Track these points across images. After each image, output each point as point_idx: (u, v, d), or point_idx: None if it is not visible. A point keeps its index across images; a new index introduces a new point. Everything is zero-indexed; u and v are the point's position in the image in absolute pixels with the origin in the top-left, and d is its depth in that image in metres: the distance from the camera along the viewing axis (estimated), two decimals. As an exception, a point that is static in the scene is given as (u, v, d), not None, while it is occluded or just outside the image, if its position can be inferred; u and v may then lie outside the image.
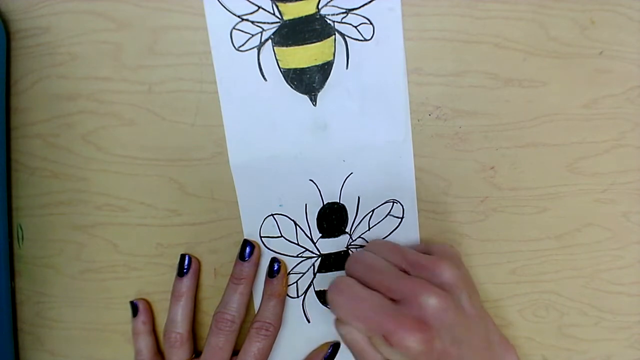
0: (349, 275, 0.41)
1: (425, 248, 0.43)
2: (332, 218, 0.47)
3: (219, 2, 0.43)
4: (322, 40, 0.43)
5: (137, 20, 0.44)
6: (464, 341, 0.38)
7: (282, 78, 0.44)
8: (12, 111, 0.48)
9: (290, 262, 0.47)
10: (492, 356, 0.40)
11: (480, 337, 0.40)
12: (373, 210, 0.46)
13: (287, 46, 0.43)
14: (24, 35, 0.46)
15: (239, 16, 0.43)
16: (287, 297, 0.48)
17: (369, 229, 0.47)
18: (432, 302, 0.37)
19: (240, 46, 0.44)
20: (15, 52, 0.47)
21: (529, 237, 0.47)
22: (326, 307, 0.48)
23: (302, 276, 0.48)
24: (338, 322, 0.41)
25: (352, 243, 0.47)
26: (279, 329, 0.46)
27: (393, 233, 0.47)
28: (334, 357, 0.48)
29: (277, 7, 0.43)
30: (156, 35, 0.44)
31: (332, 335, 0.48)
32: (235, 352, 0.46)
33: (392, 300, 0.38)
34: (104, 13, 0.44)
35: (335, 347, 0.48)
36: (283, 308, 0.47)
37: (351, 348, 0.40)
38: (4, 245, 0.49)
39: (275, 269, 0.46)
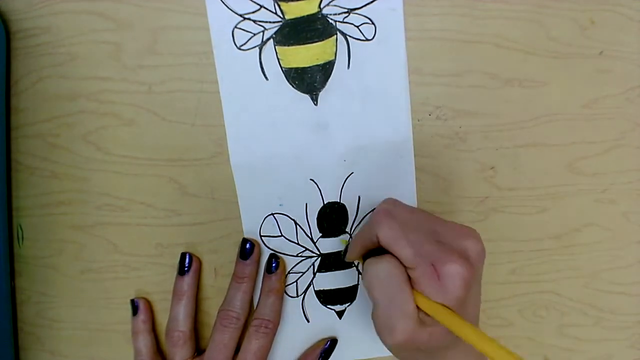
0: (388, 210, 0.39)
1: None
2: (333, 218, 0.47)
3: (221, 0, 0.43)
4: (323, 39, 0.43)
5: (137, 20, 0.44)
6: (478, 305, 0.38)
7: (284, 77, 0.44)
8: (12, 111, 0.48)
9: (290, 262, 0.47)
10: None
11: (477, 315, 0.40)
12: (373, 210, 0.46)
13: (288, 45, 0.43)
14: (24, 35, 0.46)
15: (240, 15, 0.43)
16: (287, 296, 0.48)
17: (369, 229, 0.47)
18: (475, 245, 0.37)
19: (242, 45, 0.44)
20: (15, 52, 0.47)
21: (529, 237, 0.47)
22: (326, 306, 0.48)
23: (302, 275, 0.48)
24: (373, 259, 0.38)
25: (352, 243, 0.47)
26: (278, 326, 0.46)
27: (393, 233, 0.47)
28: (332, 351, 0.48)
29: (279, 6, 0.43)
30: (156, 35, 0.44)
31: (331, 335, 0.48)
32: (237, 350, 0.46)
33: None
34: (104, 13, 0.44)
35: (332, 342, 0.48)
36: (282, 305, 0.47)
37: (385, 287, 0.37)
38: (4, 245, 0.49)
39: (274, 265, 0.46)
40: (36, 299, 0.50)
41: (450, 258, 0.35)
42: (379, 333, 0.38)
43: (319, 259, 0.47)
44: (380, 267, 0.37)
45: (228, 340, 0.45)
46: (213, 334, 0.45)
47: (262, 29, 0.43)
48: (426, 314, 0.36)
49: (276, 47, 0.44)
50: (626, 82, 0.45)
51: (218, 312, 0.45)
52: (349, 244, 0.45)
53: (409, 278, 0.37)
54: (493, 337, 0.48)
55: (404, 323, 0.36)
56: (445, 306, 0.35)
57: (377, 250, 0.39)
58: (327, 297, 0.48)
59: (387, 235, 0.37)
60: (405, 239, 0.36)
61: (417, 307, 0.36)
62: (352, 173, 0.46)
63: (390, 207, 0.39)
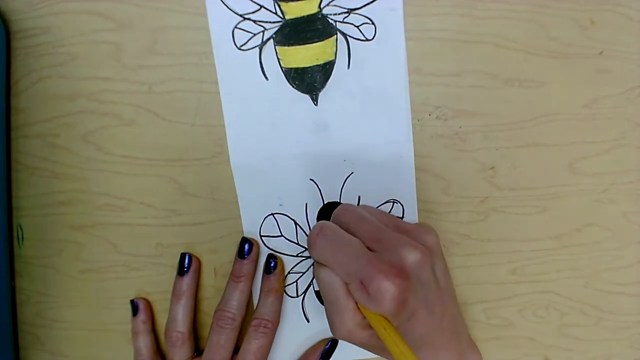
0: (334, 222, 0.41)
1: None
2: (333, 218, 0.47)
3: (221, 1, 0.43)
4: (323, 39, 0.43)
5: (137, 20, 0.44)
6: (435, 311, 0.39)
7: (284, 77, 0.44)
8: (12, 111, 0.48)
9: (290, 262, 0.47)
10: (460, 349, 0.40)
11: (449, 318, 0.40)
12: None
13: (288, 45, 0.43)
14: (24, 35, 0.46)
15: (240, 15, 0.43)
16: (287, 296, 0.48)
17: (369, 229, 0.47)
18: (412, 255, 0.37)
19: (242, 45, 0.44)
20: (15, 52, 0.47)
21: (529, 237, 0.47)
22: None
23: (301, 276, 0.48)
24: (317, 265, 0.41)
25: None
26: (277, 326, 0.46)
27: (393, 233, 0.47)
28: (332, 352, 0.48)
29: (279, 6, 0.43)
30: (156, 35, 0.44)
31: (331, 335, 0.48)
32: (237, 350, 0.46)
33: (372, 251, 0.38)
34: (104, 13, 0.44)
35: (333, 342, 0.48)
36: (281, 304, 0.47)
37: (326, 293, 0.40)
38: (4, 245, 0.49)
39: (272, 265, 0.46)
40: (36, 299, 0.50)
41: (377, 275, 0.36)
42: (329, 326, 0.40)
43: (319, 259, 0.47)
44: (322, 274, 0.40)
45: (225, 340, 0.45)
46: (209, 335, 0.45)
47: (262, 29, 0.43)
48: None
49: (276, 47, 0.44)
50: (626, 82, 0.45)
51: (214, 312, 0.45)
52: None
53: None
54: (493, 337, 0.48)
55: (343, 324, 0.39)
56: (379, 315, 0.37)
57: None
58: (327, 297, 0.48)
59: (318, 256, 0.40)
60: (333, 259, 0.38)
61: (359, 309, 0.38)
62: (352, 173, 0.46)
63: (323, 224, 0.40)
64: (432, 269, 0.39)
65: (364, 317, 0.38)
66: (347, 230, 0.40)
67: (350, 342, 0.40)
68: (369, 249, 0.38)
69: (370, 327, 0.38)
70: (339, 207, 0.43)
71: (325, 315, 0.47)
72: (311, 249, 0.40)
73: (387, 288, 0.36)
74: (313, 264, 0.47)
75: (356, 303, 0.38)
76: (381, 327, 0.36)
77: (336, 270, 0.38)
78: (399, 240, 0.38)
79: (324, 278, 0.39)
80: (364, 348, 0.41)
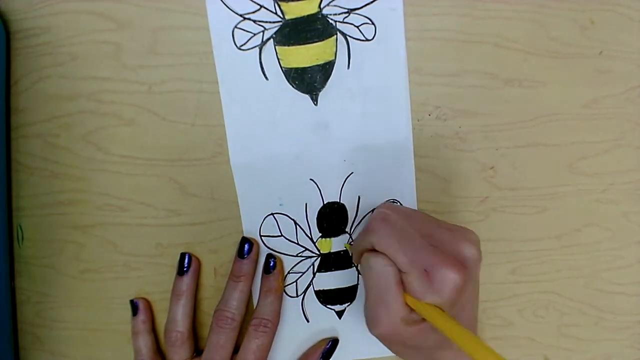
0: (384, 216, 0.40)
1: None
2: (333, 218, 0.47)
3: (221, 1, 0.43)
4: (323, 39, 0.43)
5: (137, 20, 0.44)
6: (476, 307, 0.39)
7: (284, 77, 0.44)
8: (12, 111, 0.48)
9: (290, 262, 0.47)
10: None
11: (473, 317, 0.40)
12: (373, 210, 0.46)
13: (288, 45, 0.43)
14: (24, 35, 0.46)
15: (241, 15, 0.43)
16: (287, 296, 0.48)
17: (369, 229, 0.47)
18: (471, 250, 0.37)
19: (242, 45, 0.44)
20: (15, 52, 0.47)
21: (529, 237, 0.47)
22: (325, 306, 0.48)
23: (301, 275, 0.48)
24: (367, 254, 0.39)
25: (352, 243, 0.47)
26: (277, 325, 0.46)
27: (393, 233, 0.47)
28: (333, 352, 0.48)
29: (279, 6, 0.43)
30: (156, 35, 0.44)
31: (331, 335, 0.48)
32: (237, 349, 0.46)
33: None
34: (104, 13, 0.44)
35: (334, 342, 0.48)
36: (281, 304, 0.47)
37: (375, 283, 0.38)
38: (4, 245, 0.49)
39: (271, 265, 0.46)
40: (36, 299, 0.50)
41: (444, 264, 0.36)
42: (367, 322, 0.39)
43: (319, 259, 0.47)
44: (375, 262, 0.38)
45: (224, 340, 0.45)
46: (209, 335, 0.45)
47: (262, 29, 0.43)
48: (416, 313, 0.37)
49: (276, 47, 0.44)
50: (626, 82, 0.45)
51: (214, 312, 0.45)
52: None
53: (401, 279, 0.37)
54: (493, 337, 0.48)
55: (388, 317, 0.37)
56: (435, 306, 0.36)
57: None
58: (326, 297, 0.48)
59: (381, 242, 0.38)
60: (399, 246, 0.37)
61: (408, 306, 0.37)
62: (352, 173, 0.46)
63: (386, 213, 0.39)
64: (480, 267, 0.39)
65: (411, 312, 0.37)
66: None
67: (388, 339, 0.39)
68: None
69: (415, 323, 0.37)
70: (382, 204, 0.42)
71: (325, 315, 0.48)
72: (372, 234, 0.39)
73: (452, 277, 0.35)
74: (324, 268, 0.47)
75: (402, 296, 0.37)
76: (437, 314, 0.36)
77: (399, 257, 0.37)
78: (454, 236, 0.38)
79: (376, 266, 0.38)
80: (402, 346, 0.40)
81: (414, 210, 0.43)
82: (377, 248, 0.38)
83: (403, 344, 0.39)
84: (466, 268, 0.36)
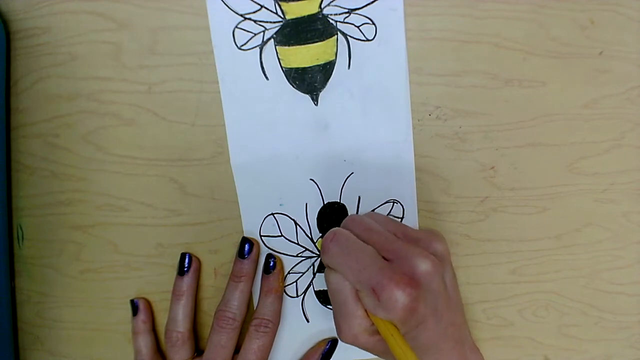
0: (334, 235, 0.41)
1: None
2: (333, 218, 0.47)
3: (222, 0, 0.43)
4: (324, 40, 0.43)
5: (137, 20, 0.44)
6: (443, 319, 0.39)
7: (284, 77, 0.44)
8: (12, 111, 0.48)
9: (290, 262, 0.47)
10: (463, 355, 0.41)
11: (455, 328, 0.40)
12: (373, 210, 0.46)
13: (289, 45, 0.43)
14: (24, 35, 0.46)
15: (241, 15, 0.43)
16: (287, 296, 0.48)
17: (369, 229, 0.47)
18: (423, 264, 0.38)
19: (243, 45, 0.44)
20: (15, 52, 0.47)
21: (529, 237, 0.47)
22: (326, 307, 0.48)
23: (301, 276, 0.48)
24: (327, 270, 0.41)
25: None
26: (278, 325, 0.46)
27: (393, 233, 0.47)
28: (332, 353, 0.48)
29: (279, 6, 0.43)
30: (156, 35, 0.44)
31: (330, 335, 0.48)
32: (238, 350, 0.46)
33: (384, 259, 0.39)
34: (104, 13, 0.44)
35: (333, 343, 0.48)
36: (281, 304, 0.47)
37: (335, 297, 0.40)
38: (4, 245, 0.49)
39: (271, 265, 0.46)
40: (36, 299, 0.50)
41: (389, 283, 0.36)
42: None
43: (319, 259, 0.47)
44: (332, 277, 0.40)
45: (225, 341, 0.45)
46: (210, 335, 0.45)
47: (263, 29, 0.43)
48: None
49: (277, 47, 0.44)
50: (626, 82, 0.45)
51: (215, 313, 0.45)
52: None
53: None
54: (493, 337, 0.48)
55: (349, 329, 0.39)
56: (388, 322, 0.37)
57: None
58: (327, 297, 0.48)
59: (332, 262, 0.40)
60: (345, 265, 0.39)
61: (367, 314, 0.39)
62: (352, 173, 0.46)
63: (336, 230, 0.41)
64: (442, 278, 0.39)
65: (372, 323, 0.39)
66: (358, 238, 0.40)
67: (355, 346, 0.40)
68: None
69: (376, 332, 0.39)
70: (347, 217, 0.43)
71: (325, 315, 0.48)
72: (324, 254, 0.40)
73: (399, 297, 0.36)
74: (324, 268, 0.47)
75: (364, 309, 0.39)
76: (389, 333, 0.37)
77: (348, 277, 0.38)
78: (410, 250, 0.38)
79: (334, 283, 0.40)
80: (369, 352, 0.41)
81: (378, 218, 0.43)
82: (327, 267, 0.40)
83: (369, 349, 0.40)
84: (418, 285, 0.37)
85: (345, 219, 0.43)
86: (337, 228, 0.41)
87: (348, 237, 0.40)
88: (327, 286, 0.41)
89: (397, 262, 0.38)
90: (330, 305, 0.48)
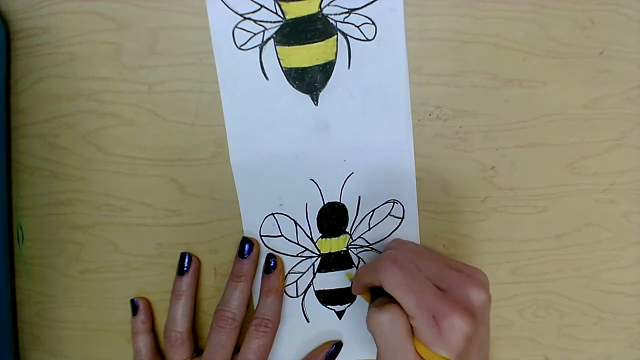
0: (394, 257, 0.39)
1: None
2: (333, 218, 0.47)
3: (222, 0, 0.43)
4: (324, 39, 0.43)
5: (137, 20, 0.44)
6: (482, 351, 0.38)
7: (284, 77, 0.44)
8: (12, 111, 0.48)
9: (290, 262, 0.47)
10: None
11: (486, 357, 0.40)
12: (373, 210, 0.46)
13: (289, 45, 0.43)
14: (24, 35, 0.46)
15: (241, 15, 0.43)
16: (287, 296, 0.48)
17: (369, 229, 0.47)
18: (480, 296, 0.37)
19: (242, 45, 0.44)
20: (15, 52, 0.47)
21: (529, 237, 0.47)
22: (326, 306, 0.48)
23: (301, 276, 0.48)
24: (375, 309, 0.38)
25: (352, 243, 0.47)
26: (278, 325, 0.46)
27: (393, 233, 0.47)
28: (336, 355, 0.48)
29: (279, 6, 0.43)
30: (156, 35, 0.44)
31: (331, 335, 0.48)
32: (237, 350, 0.46)
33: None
34: (104, 13, 0.44)
35: (337, 345, 0.48)
36: (281, 304, 0.47)
37: (385, 338, 0.38)
38: (4, 245, 0.49)
39: (272, 264, 0.46)
40: (36, 299, 0.50)
41: (451, 311, 0.36)
42: None
43: (319, 259, 0.47)
44: (384, 318, 0.37)
45: (225, 341, 0.45)
46: (209, 335, 0.45)
47: (263, 28, 0.43)
48: None
49: (276, 47, 0.44)
50: (626, 82, 0.45)
51: (214, 313, 0.45)
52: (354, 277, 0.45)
53: (411, 326, 0.37)
54: (493, 337, 0.48)
55: None
56: (443, 358, 0.36)
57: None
58: (327, 297, 0.48)
59: (390, 283, 0.38)
60: (408, 288, 0.37)
61: (419, 355, 0.37)
62: (352, 173, 0.46)
63: (396, 253, 0.39)
64: (488, 312, 0.39)
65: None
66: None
67: None
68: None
69: None
70: (394, 241, 0.43)
71: (325, 315, 0.48)
72: (381, 272, 0.38)
73: (460, 325, 0.35)
74: (324, 268, 0.47)
75: (417, 351, 0.37)
76: None
77: (407, 301, 0.37)
78: (462, 280, 0.38)
79: (387, 320, 0.37)
80: None
81: (424, 248, 0.43)
82: (385, 288, 0.38)
83: None
84: (474, 315, 0.36)
85: (393, 241, 0.43)
86: (394, 251, 0.40)
87: (406, 261, 0.39)
88: (373, 329, 0.38)
89: (451, 292, 0.37)
90: (331, 305, 0.48)
